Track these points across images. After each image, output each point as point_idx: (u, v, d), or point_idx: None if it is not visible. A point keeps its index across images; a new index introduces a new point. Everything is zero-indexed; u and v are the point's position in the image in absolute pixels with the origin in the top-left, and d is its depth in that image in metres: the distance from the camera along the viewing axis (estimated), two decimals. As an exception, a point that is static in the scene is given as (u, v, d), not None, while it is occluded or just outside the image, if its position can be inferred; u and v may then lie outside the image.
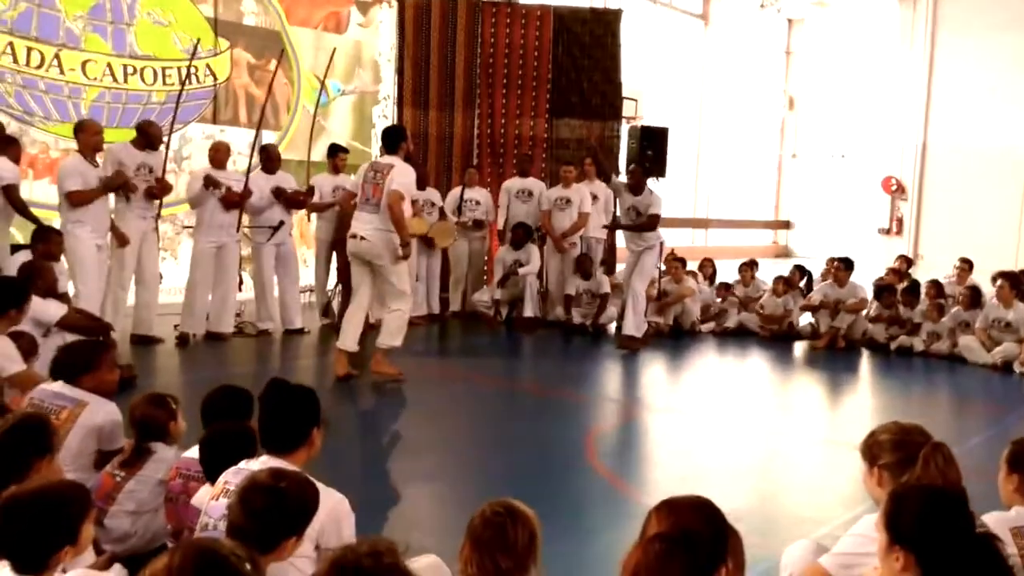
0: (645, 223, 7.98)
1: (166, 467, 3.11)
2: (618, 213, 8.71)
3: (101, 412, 3.32)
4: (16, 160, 6.49)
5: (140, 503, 3.11)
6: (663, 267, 8.99)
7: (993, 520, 2.43)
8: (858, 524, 2.42)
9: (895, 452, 2.51)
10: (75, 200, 6.44)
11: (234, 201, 7.51)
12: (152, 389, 5.66)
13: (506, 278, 8.96)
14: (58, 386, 3.38)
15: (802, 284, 9.55)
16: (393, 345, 6.23)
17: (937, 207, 19.44)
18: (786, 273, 9.57)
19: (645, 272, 8.19)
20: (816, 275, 10.03)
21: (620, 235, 8.97)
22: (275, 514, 2.18)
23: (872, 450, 2.58)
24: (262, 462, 2.52)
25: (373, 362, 6.28)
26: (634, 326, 8.02)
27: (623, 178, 8.80)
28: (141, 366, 6.19)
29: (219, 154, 7.64)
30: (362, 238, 6.05)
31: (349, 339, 6.26)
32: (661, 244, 8.32)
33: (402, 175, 6.05)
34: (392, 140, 6.25)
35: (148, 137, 7.02)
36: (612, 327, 9.04)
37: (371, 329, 8.36)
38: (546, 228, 9.03)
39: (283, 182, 8.04)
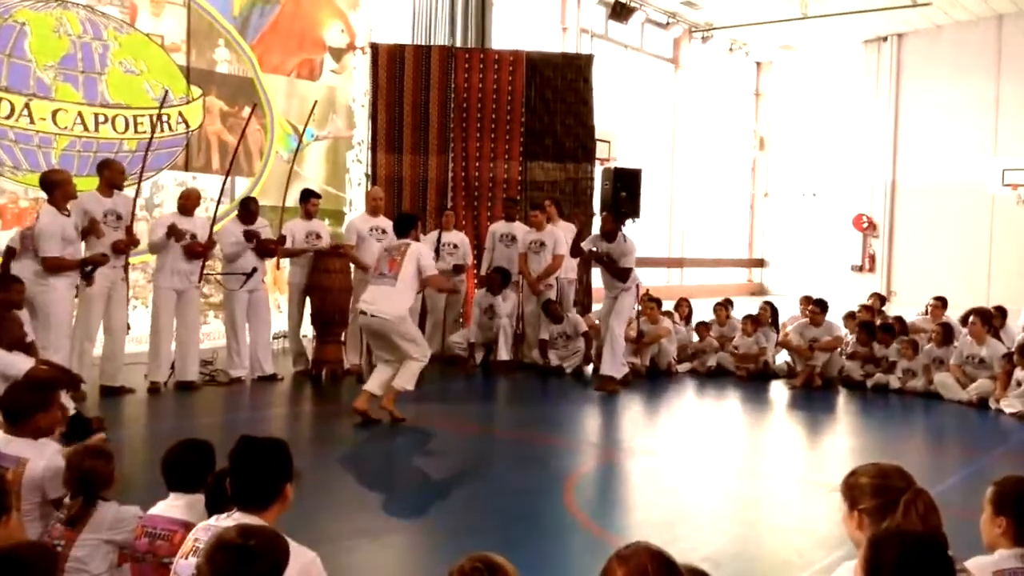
0: (619, 272, 7.98)
1: (107, 525, 2.99)
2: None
3: (41, 463, 3.19)
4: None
5: (89, 569, 2.97)
6: (639, 307, 8.99)
7: (976, 565, 2.40)
8: (838, 572, 2.38)
9: (875, 498, 2.47)
10: (51, 266, 6.32)
11: (196, 252, 7.45)
12: (120, 442, 5.56)
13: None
14: None
15: (771, 320, 9.54)
16: (406, 388, 6.49)
17: (908, 244, 19.73)
18: (754, 311, 9.60)
19: (623, 313, 8.17)
20: (789, 314, 10.06)
21: (596, 275, 8.96)
22: (244, 574, 2.10)
23: (852, 492, 2.53)
24: (234, 519, 2.45)
25: (385, 399, 6.48)
26: (612, 367, 7.99)
27: (596, 221, 8.82)
28: (110, 418, 6.07)
29: (188, 202, 7.54)
30: (373, 315, 6.29)
31: (375, 384, 6.51)
32: (638, 286, 8.32)
33: (424, 255, 6.52)
34: (404, 226, 6.72)
35: (111, 174, 6.91)
36: (589, 368, 9.01)
37: (347, 375, 8.32)
38: (522, 271, 9.03)
39: (259, 228, 7.99)
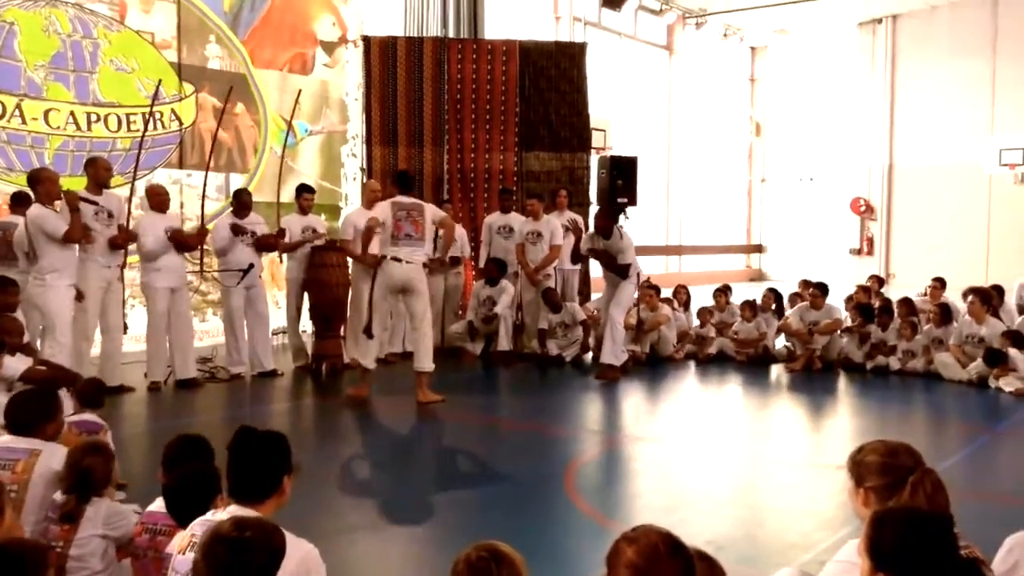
0: (619, 269, 7.95)
1: (103, 521, 3.00)
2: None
3: (57, 456, 3.19)
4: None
5: (90, 566, 2.98)
6: (636, 295, 8.98)
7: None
8: (842, 550, 2.37)
9: (882, 476, 2.44)
10: (74, 237, 6.33)
11: (187, 244, 7.45)
12: (121, 440, 5.53)
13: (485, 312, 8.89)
14: (7, 440, 3.28)
15: (774, 307, 9.55)
16: (428, 368, 6.93)
17: (906, 226, 19.69)
18: (754, 297, 9.60)
19: (623, 302, 8.13)
20: (787, 299, 10.05)
21: (594, 264, 8.94)
22: (241, 567, 2.08)
23: (859, 469, 2.51)
24: (230, 512, 2.43)
25: (420, 394, 6.91)
26: (612, 355, 7.98)
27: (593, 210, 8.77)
28: (111, 416, 6.04)
29: (157, 198, 7.35)
30: (408, 262, 6.80)
31: (426, 362, 6.98)
32: (638, 275, 8.30)
33: (434, 209, 7.12)
34: (409, 183, 7.21)
35: (97, 171, 6.83)
36: (588, 357, 9.00)
37: (347, 369, 8.30)
38: (520, 261, 9.00)
39: (254, 224, 7.97)
